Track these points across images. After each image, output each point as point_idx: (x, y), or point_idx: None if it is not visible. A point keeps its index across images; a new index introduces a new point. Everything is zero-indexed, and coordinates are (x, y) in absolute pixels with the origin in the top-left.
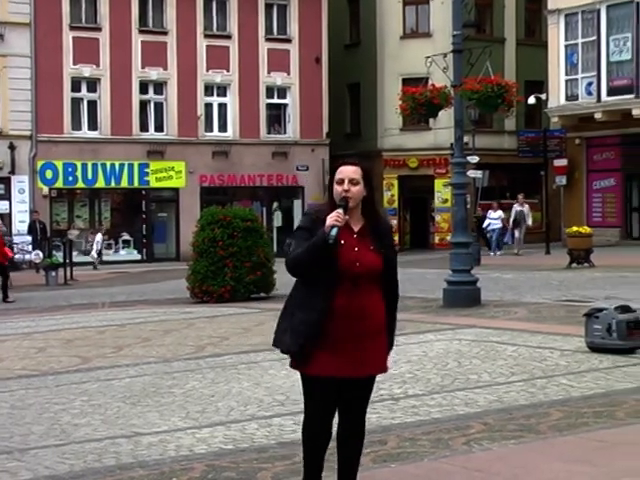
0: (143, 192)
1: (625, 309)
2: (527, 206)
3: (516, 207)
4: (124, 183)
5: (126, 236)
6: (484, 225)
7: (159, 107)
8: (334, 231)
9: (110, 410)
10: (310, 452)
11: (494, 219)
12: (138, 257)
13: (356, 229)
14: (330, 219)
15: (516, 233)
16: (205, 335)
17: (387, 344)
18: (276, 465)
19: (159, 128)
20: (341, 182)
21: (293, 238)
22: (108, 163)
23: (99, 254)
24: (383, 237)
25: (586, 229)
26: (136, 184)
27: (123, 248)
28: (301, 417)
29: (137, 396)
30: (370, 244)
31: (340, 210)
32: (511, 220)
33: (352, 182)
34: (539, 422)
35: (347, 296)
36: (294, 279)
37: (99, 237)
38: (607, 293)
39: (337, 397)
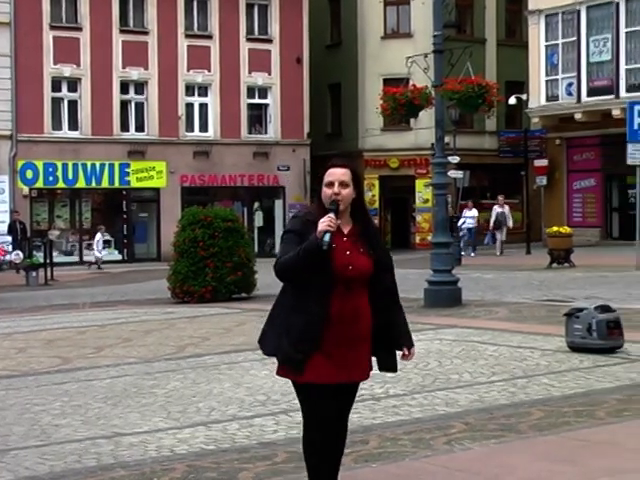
0: (124, 192)
1: (605, 309)
2: (507, 207)
3: (497, 208)
4: (105, 183)
5: (107, 236)
6: (459, 223)
7: (140, 107)
8: (327, 236)
9: (91, 411)
10: (314, 467)
11: (469, 217)
12: (119, 257)
13: (346, 232)
14: (322, 224)
15: (497, 235)
16: (186, 335)
17: (371, 350)
18: (257, 465)
19: (140, 128)
20: (331, 185)
21: (282, 242)
22: (89, 163)
23: (100, 252)
24: (372, 239)
25: (566, 229)
26: (117, 184)
27: (104, 248)
28: (282, 417)
29: (118, 397)
30: (361, 247)
31: (332, 214)
32: (492, 221)
33: (342, 185)
34: (520, 422)
35: (341, 300)
36: (277, 280)
37: (99, 236)
38: (587, 293)
39: (334, 407)
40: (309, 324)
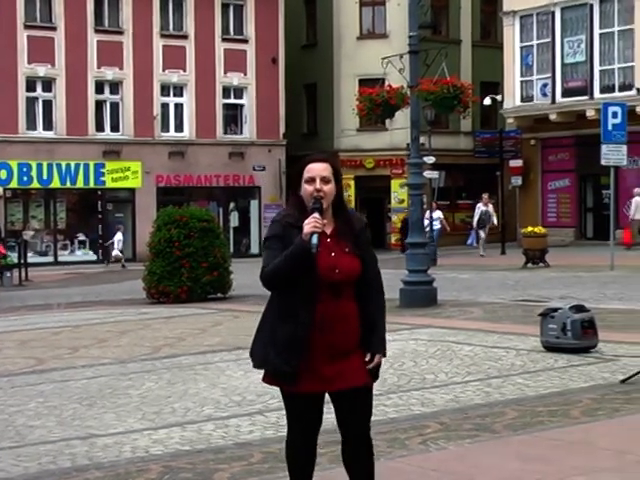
0: (99, 192)
1: (580, 309)
2: (491, 206)
3: (481, 207)
4: (80, 183)
5: (82, 237)
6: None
7: (115, 107)
8: (315, 238)
9: (65, 412)
10: (294, 470)
11: (434, 219)
12: (94, 258)
13: (329, 231)
14: (308, 225)
15: (481, 233)
16: (161, 336)
17: (362, 356)
18: (233, 466)
19: (115, 128)
20: (312, 181)
21: (265, 249)
22: (63, 163)
23: (121, 251)
24: (357, 237)
25: (541, 229)
26: (92, 184)
27: (79, 249)
28: (258, 417)
29: (93, 397)
30: (345, 246)
31: (316, 214)
32: (475, 220)
33: (323, 180)
34: (494, 421)
35: (328, 307)
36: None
37: (120, 236)
38: (562, 293)
39: (320, 414)
40: (295, 334)
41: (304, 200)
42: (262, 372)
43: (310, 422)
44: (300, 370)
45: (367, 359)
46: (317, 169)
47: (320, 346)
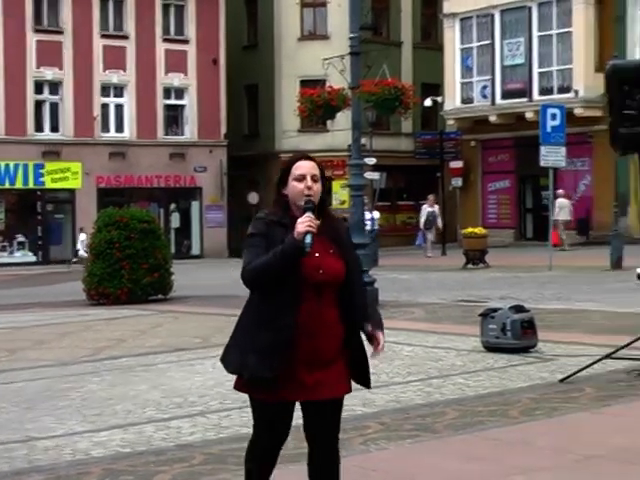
0: (38, 193)
1: (519, 309)
2: (437, 207)
3: (427, 208)
4: (19, 184)
5: (21, 238)
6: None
7: (55, 107)
8: (309, 238)
9: (4, 414)
10: (251, 471)
11: (368, 220)
12: (33, 259)
13: None
14: (302, 225)
15: (428, 235)
16: (102, 337)
17: (346, 366)
18: (174, 467)
19: (55, 128)
20: (302, 179)
21: (247, 246)
22: (2, 163)
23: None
24: (341, 239)
25: (481, 230)
26: (31, 185)
27: (18, 250)
28: (199, 419)
29: (32, 400)
30: (330, 247)
31: (310, 213)
32: (422, 221)
33: (313, 179)
34: (435, 421)
35: (312, 308)
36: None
37: (83, 236)
38: (502, 293)
39: (290, 422)
40: (279, 337)
41: (290, 198)
42: (204, 374)
43: (280, 431)
44: (279, 377)
45: (369, 329)
46: (307, 167)
47: (303, 351)
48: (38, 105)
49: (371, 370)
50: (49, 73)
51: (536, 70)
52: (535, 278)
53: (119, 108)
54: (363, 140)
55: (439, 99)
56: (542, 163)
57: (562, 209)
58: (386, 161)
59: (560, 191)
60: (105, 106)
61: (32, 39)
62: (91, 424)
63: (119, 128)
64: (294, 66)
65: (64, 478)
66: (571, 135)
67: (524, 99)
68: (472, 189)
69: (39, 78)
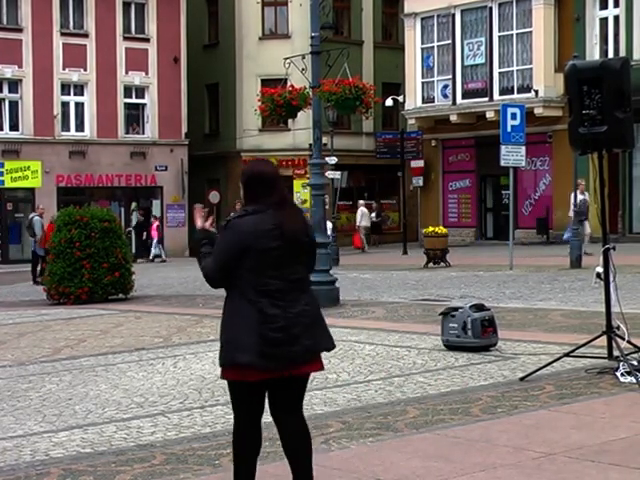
0: None
1: (480, 307)
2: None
3: (578, 195)
4: None
5: None
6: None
7: (14, 106)
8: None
9: None
10: (244, 461)
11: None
12: None
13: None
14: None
15: (587, 226)
16: (62, 337)
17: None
18: (135, 468)
19: (14, 127)
20: None
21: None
22: None
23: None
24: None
25: (442, 229)
26: None
27: None
28: (160, 419)
29: None
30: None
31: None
32: (573, 211)
33: None
34: (396, 420)
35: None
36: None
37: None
38: (462, 292)
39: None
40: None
41: None
42: (165, 373)
43: (257, 406)
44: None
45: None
46: None
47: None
48: None
49: (332, 369)
50: (8, 71)
51: (496, 70)
52: (495, 277)
53: (79, 107)
54: (324, 139)
55: (400, 98)
56: (502, 163)
57: (363, 216)
58: (347, 160)
59: (361, 201)
60: (65, 104)
61: None
62: (51, 424)
63: (79, 127)
64: (255, 65)
65: (24, 479)
66: (531, 135)
67: (484, 99)
68: (433, 188)
69: None
